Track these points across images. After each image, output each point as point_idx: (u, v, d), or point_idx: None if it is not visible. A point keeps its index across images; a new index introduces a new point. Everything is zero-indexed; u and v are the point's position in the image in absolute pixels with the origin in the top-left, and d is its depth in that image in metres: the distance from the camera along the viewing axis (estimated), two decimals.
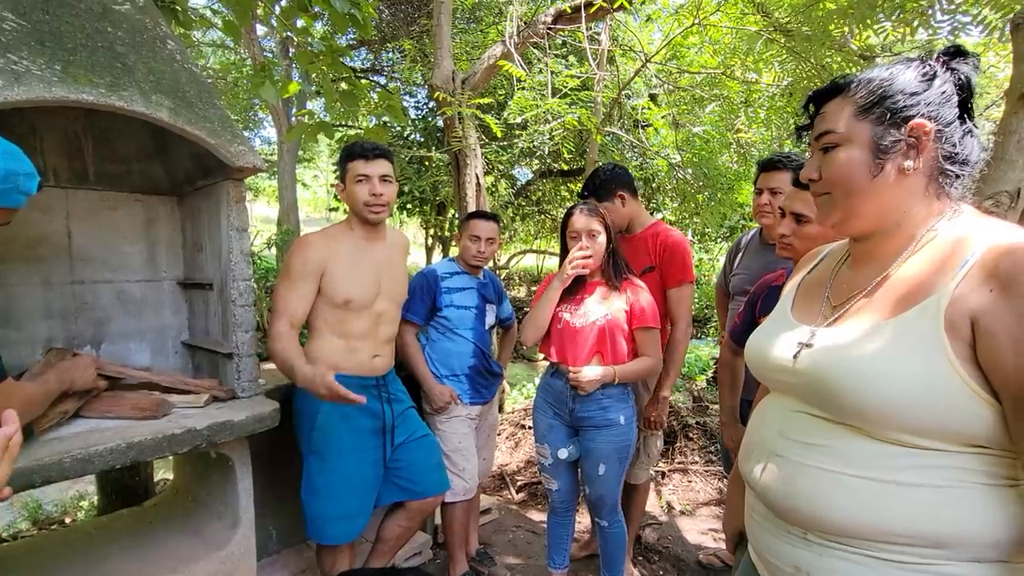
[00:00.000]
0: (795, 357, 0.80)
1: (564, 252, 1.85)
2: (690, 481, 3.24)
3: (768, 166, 1.78)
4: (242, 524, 1.61)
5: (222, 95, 9.97)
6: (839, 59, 3.63)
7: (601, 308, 1.79)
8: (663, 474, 3.31)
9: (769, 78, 4.55)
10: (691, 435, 3.60)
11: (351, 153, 1.67)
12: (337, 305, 1.66)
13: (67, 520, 3.27)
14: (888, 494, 0.69)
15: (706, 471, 3.30)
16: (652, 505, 3.02)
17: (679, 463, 3.41)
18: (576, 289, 1.85)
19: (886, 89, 0.75)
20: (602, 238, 1.78)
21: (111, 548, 1.59)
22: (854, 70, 3.44)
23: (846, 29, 3.53)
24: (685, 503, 3.03)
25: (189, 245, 1.92)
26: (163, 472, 3.54)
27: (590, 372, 1.74)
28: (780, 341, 0.86)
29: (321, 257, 1.65)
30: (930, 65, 0.75)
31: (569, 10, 4.07)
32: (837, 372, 0.73)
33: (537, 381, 5.63)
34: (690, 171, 5.41)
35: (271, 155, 12.06)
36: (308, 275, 1.63)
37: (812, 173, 0.82)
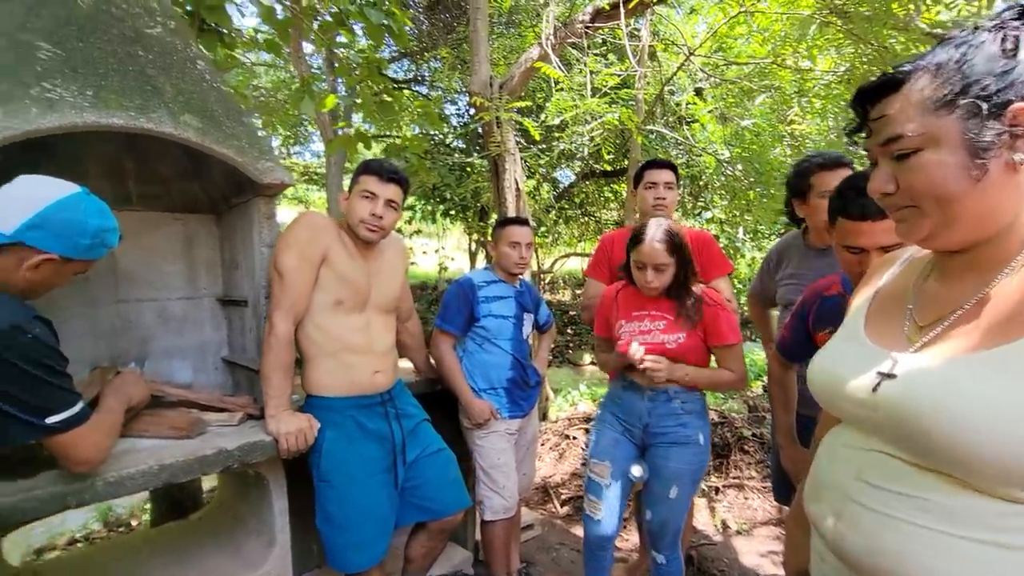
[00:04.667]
0: (875, 390, 0.68)
1: (628, 269, 1.72)
2: (746, 498, 3.03)
3: (828, 165, 1.69)
4: (277, 544, 1.60)
5: (274, 112, 10.41)
6: (904, 39, 3.34)
7: (675, 327, 1.66)
8: (717, 490, 3.12)
9: (825, 64, 4.27)
10: (747, 448, 3.38)
11: (368, 168, 1.61)
12: (328, 308, 1.58)
13: (133, 523, 3.43)
14: (996, 560, 0.56)
15: (764, 487, 3.08)
16: (705, 523, 2.84)
17: (734, 478, 3.20)
18: (643, 303, 1.73)
19: (966, 73, 0.61)
20: (671, 269, 1.63)
21: (154, 564, 1.62)
22: (922, 49, 3.15)
23: (912, 6, 3.24)
24: (741, 522, 2.83)
25: (227, 263, 1.94)
26: (213, 481, 3.66)
27: (674, 370, 1.63)
28: (854, 367, 0.73)
29: (326, 243, 1.57)
30: (1005, 34, 0.61)
31: (608, 7, 3.95)
32: (929, 411, 0.61)
33: (583, 388, 5.49)
34: (740, 167, 5.15)
35: (320, 168, 12.48)
36: (315, 260, 1.55)
37: (886, 185, 0.68)
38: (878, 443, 0.69)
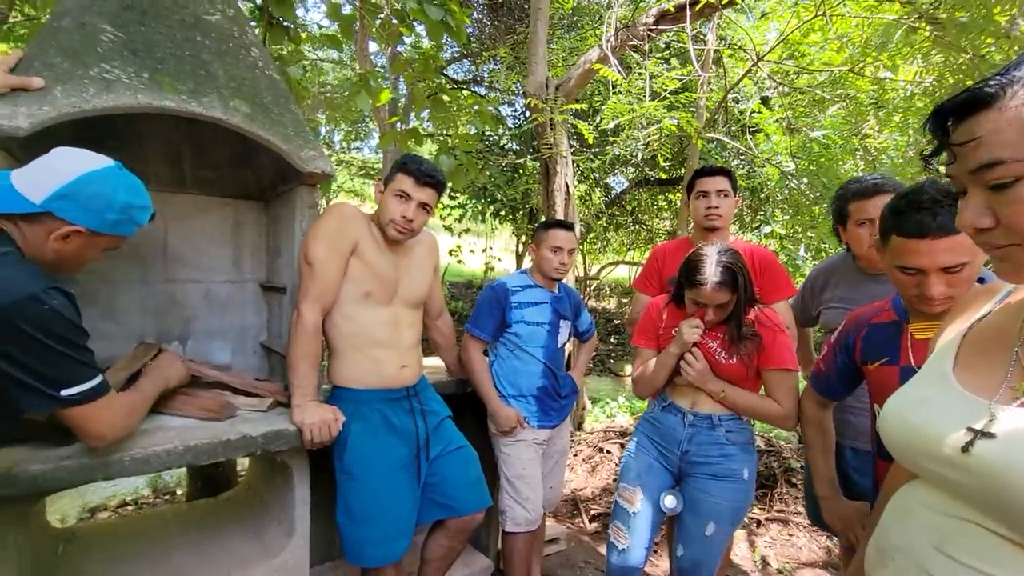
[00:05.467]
0: (966, 448, 0.57)
1: (680, 290, 1.60)
2: (791, 535, 2.83)
3: (865, 193, 1.57)
4: (297, 533, 1.59)
5: (338, 108, 10.77)
6: (1006, 48, 3.04)
7: (727, 350, 1.55)
8: (758, 523, 2.92)
9: (908, 74, 3.95)
10: (794, 481, 3.16)
11: (406, 167, 1.57)
12: (356, 299, 1.57)
13: (178, 492, 3.58)
14: None
15: (812, 525, 2.86)
16: (744, 557, 2.66)
17: (778, 511, 2.99)
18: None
19: None
20: (732, 303, 1.50)
21: (179, 540, 1.64)
22: None
23: (1015, 10, 2.94)
24: (783, 560, 2.63)
25: (271, 249, 1.97)
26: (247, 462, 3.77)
27: (708, 378, 1.53)
28: (940, 418, 0.62)
29: (355, 233, 1.56)
30: None
31: (672, 9, 3.82)
32: None
33: (622, 400, 5.32)
34: (805, 180, 4.86)
35: (377, 163, 12.82)
36: (343, 251, 1.54)
37: (981, 219, 0.57)
38: (966, 510, 0.58)
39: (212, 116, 1.36)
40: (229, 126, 1.39)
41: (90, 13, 1.30)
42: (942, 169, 0.63)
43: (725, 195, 1.96)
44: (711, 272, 1.45)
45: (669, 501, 1.57)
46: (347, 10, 3.26)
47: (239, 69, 1.50)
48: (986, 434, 0.56)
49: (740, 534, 2.82)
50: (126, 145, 1.71)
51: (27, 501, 1.24)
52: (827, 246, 7.54)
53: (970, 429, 0.58)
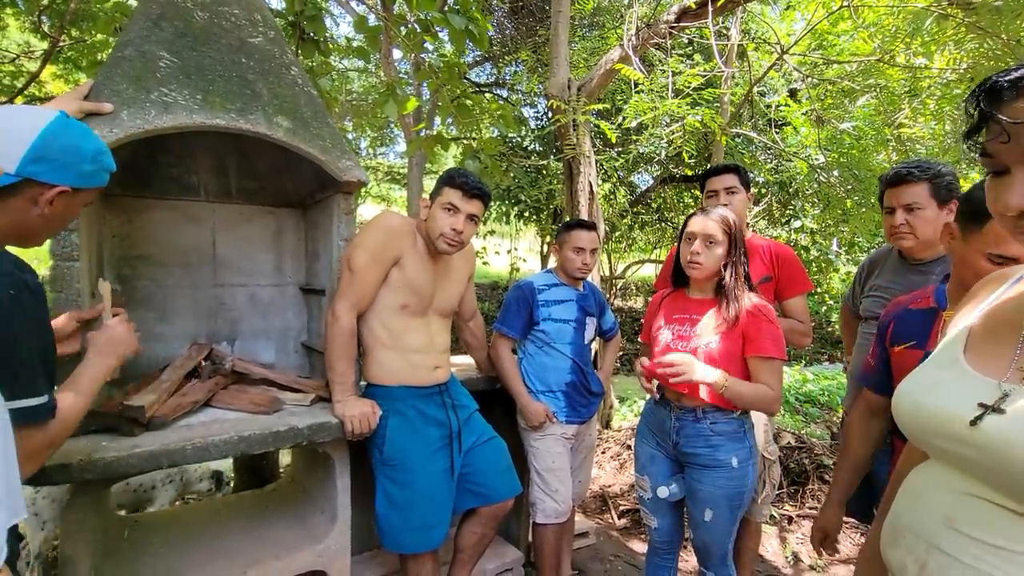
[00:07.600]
0: (975, 423, 0.60)
1: (677, 265, 1.67)
2: None
3: (896, 180, 1.57)
4: (339, 520, 1.69)
5: (364, 115, 11.04)
6: None
7: (712, 332, 1.57)
8: (790, 519, 2.91)
9: (942, 61, 3.86)
10: (827, 477, 3.13)
11: (452, 181, 1.63)
12: (394, 310, 1.65)
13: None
14: None
15: (844, 522, 2.83)
16: (775, 553, 2.66)
17: (811, 508, 2.97)
18: (687, 307, 1.67)
19: None
20: (720, 250, 1.55)
21: (230, 527, 1.77)
22: None
23: None
24: (816, 557, 2.62)
25: (310, 254, 2.08)
26: (289, 457, 3.93)
27: (700, 371, 1.47)
28: (950, 397, 0.66)
29: (400, 247, 1.63)
30: None
31: (694, 5, 3.82)
32: None
33: (649, 398, 5.33)
34: (836, 173, 4.78)
35: (402, 168, 13.07)
36: (386, 261, 1.61)
37: None
38: (975, 486, 0.61)
39: (258, 132, 1.47)
40: (274, 140, 1.49)
41: (149, 42, 1.42)
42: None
43: (733, 191, 2.00)
44: (709, 212, 1.59)
45: (662, 492, 1.64)
46: (373, 21, 3.38)
47: (280, 87, 1.61)
48: (996, 409, 0.59)
49: (771, 530, 2.81)
50: (179, 159, 1.85)
51: (102, 486, 1.37)
52: (861, 240, 7.34)
53: (980, 405, 0.61)
